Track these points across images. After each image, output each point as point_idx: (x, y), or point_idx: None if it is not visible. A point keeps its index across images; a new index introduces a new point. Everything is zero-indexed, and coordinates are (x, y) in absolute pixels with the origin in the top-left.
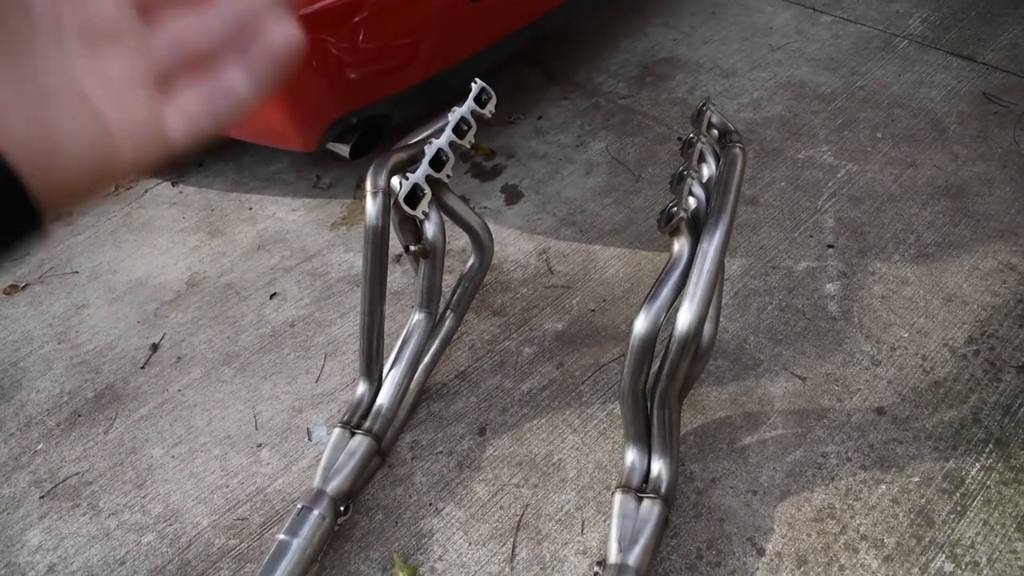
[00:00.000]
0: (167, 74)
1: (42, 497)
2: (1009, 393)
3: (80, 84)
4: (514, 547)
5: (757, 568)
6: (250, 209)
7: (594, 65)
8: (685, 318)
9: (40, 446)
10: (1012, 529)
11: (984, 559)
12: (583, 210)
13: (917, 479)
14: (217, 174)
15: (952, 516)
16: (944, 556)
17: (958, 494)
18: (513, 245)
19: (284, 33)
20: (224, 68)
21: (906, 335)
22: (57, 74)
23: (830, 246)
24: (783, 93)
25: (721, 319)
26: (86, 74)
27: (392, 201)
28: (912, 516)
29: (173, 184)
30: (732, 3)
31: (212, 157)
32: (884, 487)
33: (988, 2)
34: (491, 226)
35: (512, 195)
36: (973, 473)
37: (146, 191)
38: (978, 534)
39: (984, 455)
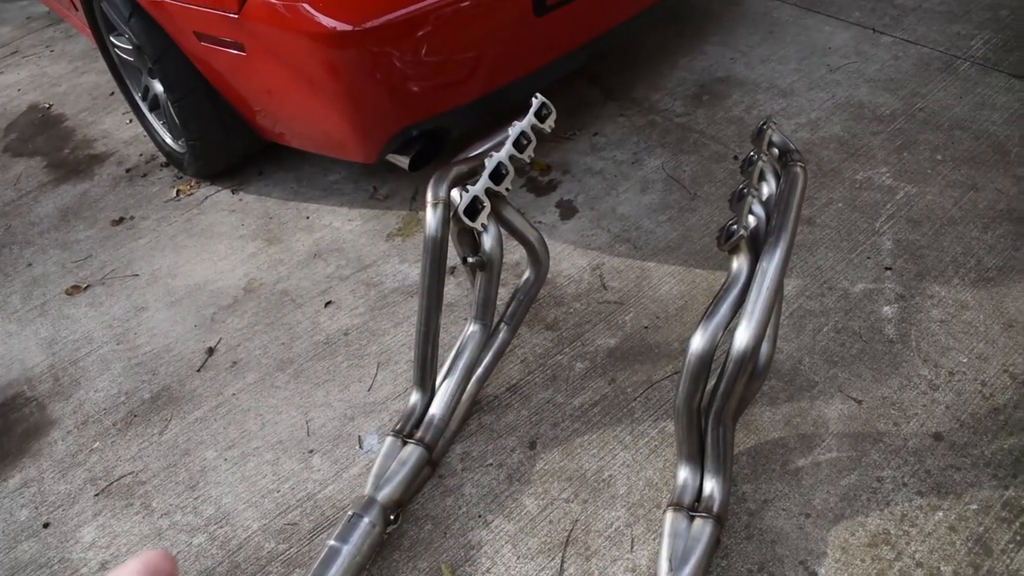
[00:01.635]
0: None
1: (97, 495)
2: None
3: None
4: (563, 562)
5: None
6: (307, 218)
7: (651, 83)
8: (743, 336)
9: (96, 444)
10: None
11: None
12: (638, 227)
13: (975, 507)
14: (276, 183)
15: (1011, 546)
16: None
17: (1017, 523)
18: (567, 260)
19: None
20: None
21: (965, 360)
22: None
23: (888, 268)
24: (841, 113)
25: (777, 340)
26: None
27: (452, 213)
28: (969, 544)
29: (233, 192)
30: (790, 23)
31: (272, 166)
32: (941, 514)
33: None
34: (546, 241)
35: (567, 210)
36: None
37: (207, 198)
38: None
39: None
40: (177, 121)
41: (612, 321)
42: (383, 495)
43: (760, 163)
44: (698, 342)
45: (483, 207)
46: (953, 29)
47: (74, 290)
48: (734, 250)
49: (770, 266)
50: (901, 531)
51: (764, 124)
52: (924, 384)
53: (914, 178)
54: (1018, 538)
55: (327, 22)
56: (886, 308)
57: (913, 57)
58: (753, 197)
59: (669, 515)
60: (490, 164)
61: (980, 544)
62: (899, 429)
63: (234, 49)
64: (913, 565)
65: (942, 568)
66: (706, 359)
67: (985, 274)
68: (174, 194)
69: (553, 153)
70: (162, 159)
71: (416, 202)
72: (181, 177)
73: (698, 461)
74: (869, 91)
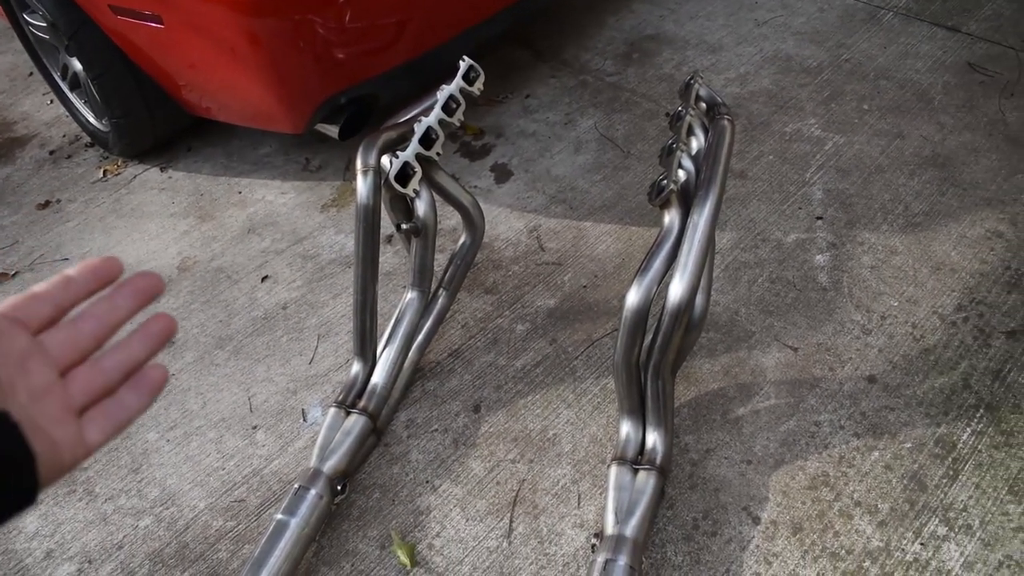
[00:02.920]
0: (83, 405)
1: None
2: (999, 359)
3: (33, 418)
4: (511, 522)
5: (753, 536)
6: (240, 193)
7: (581, 43)
8: (677, 289)
9: None
10: (1004, 492)
11: (977, 522)
12: (573, 187)
13: (909, 445)
14: (206, 159)
15: (944, 481)
16: (937, 520)
17: (950, 459)
18: (504, 223)
19: (158, 371)
20: (120, 394)
21: (896, 304)
22: (19, 413)
23: (819, 218)
24: (769, 67)
25: (712, 292)
26: (36, 413)
27: (383, 180)
28: (905, 482)
29: (162, 169)
30: None
31: (200, 142)
32: (877, 454)
33: None
34: (482, 206)
35: (502, 174)
36: (964, 438)
37: (135, 177)
38: (970, 497)
39: (975, 420)
40: (99, 99)
41: (551, 282)
42: (329, 466)
43: (688, 117)
44: (633, 297)
45: (414, 173)
46: None
47: (1, 277)
48: (665, 204)
49: (701, 218)
50: (839, 472)
51: (691, 79)
52: (857, 329)
53: (842, 128)
54: (951, 473)
55: None
56: (818, 257)
57: (838, 9)
58: (682, 152)
59: (613, 469)
60: (419, 129)
61: (915, 481)
62: (834, 374)
63: (152, 22)
64: (852, 504)
65: (880, 505)
66: (642, 314)
67: (913, 219)
68: (101, 175)
69: (486, 117)
70: (86, 139)
71: (349, 172)
72: (107, 157)
73: (640, 415)
74: (796, 44)
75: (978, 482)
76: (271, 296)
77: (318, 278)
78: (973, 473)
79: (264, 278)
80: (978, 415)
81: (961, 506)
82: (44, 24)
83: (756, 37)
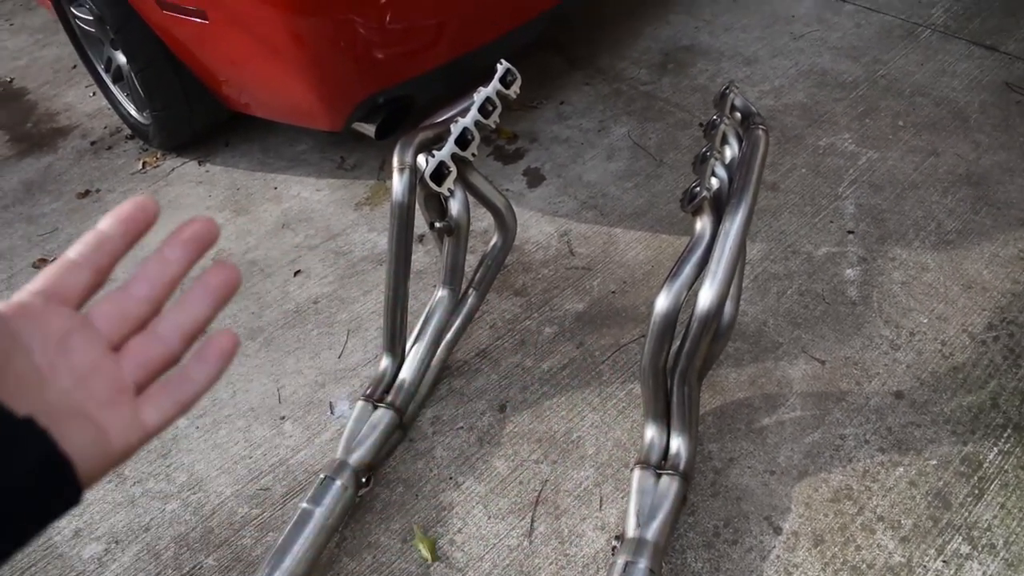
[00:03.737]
0: (139, 381)
1: None
2: None
3: (78, 404)
4: (532, 521)
5: (774, 546)
6: (275, 188)
7: (616, 52)
8: (706, 296)
9: None
10: None
11: (1001, 542)
12: (604, 193)
13: (935, 462)
14: (243, 154)
15: (969, 499)
16: (961, 538)
17: (975, 477)
18: (535, 227)
19: (226, 336)
20: (187, 365)
21: (925, 321)
22: (59, 399)
23: (850, 232)
24: (804, 81)
25: (741, 302)
26: (80, 396)
27: (418, 178)
28: (929, 498)
29: (200, 163)
30: None
31: (238, 137)
32: (902, 469)
33: None
34: (514, 209)
35: (534, 178)
36: (991, 457)
37: (173, 170)
38: (995, 517)
39: (1002, 440)
40: (141, 92)
41: (580, 286)
42: (354, 458)
43: (723, 126)
44: (663, 302)
45: (449, 172)
46: None
47: (41, 263)
48: (697, 211)
49: (732, 226)
50: (863, 486)
51: (726, 88)
52: (886, 344)
53: (876, 144)
54: (976, 491)
55: None
56: (849, 271)
57: (875, 25)
58: (716, 160)
59: (636, 473)
60: (456, 129)
61: (939, 498)
62: (861, 388)
63: (197, 17)
64: (875, 519)
65: (903, 521)
66: (671, 319)
67: (945, 237)
68: (140, 166)
69: (520, 122)
70: (127, 131)
71: (384, 171)
72: (147, 149)
73: (664, 420)
74: (831, 58)
75: (1003, 502)
76: (303, 290)
77: (350, 274)
78: (999, 493)
79: (296, 272)
80: (1005, 435)
81: (985, 525)
82: (91, 18)
83: (791, 51)
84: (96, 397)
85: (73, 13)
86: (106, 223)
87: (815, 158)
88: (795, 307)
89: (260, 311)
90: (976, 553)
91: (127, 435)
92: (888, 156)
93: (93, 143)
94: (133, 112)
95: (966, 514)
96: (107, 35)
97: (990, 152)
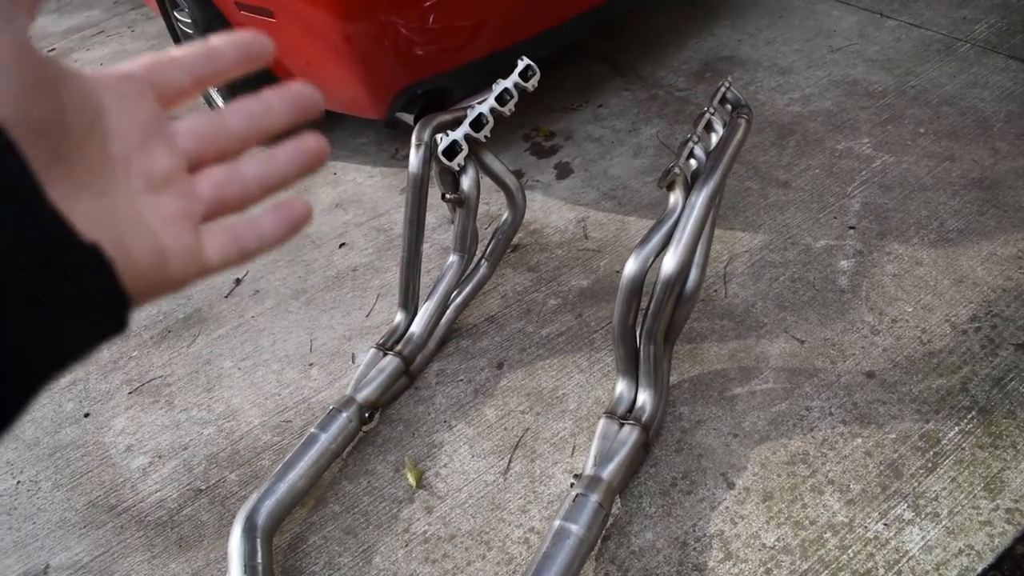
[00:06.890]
0: (208, 212)
1: (130, 393)
2: (1003, 368)
3: (143, 214)
4: (510, 462)
5: (724, 499)
6: (335, 174)
7: (659, 61)
8: (670, 262)
9: (135, 353)
10: (979, 488)
11: (945, 511)
12: (625, 186)
13: (893, 436)
14: None
15: (921, 471)
16: (906, 505)
17: (931, 452)
18: (556, 213)
19: (303, 204)
20: (258, 214)
21: (910, 309)
22: (126, 203)
23: (852, 227)
24: (834, 90)
25: (733, 286)
26: (147, 207)
27: (432, 154)
28: (882, 468)
29: None
30: (800, 8)
31: (308, 130)
32: (860, 440)
33: None
34: (540, 197)
35: (563, 171)
36: (951, 435)
37: None
38: (944, 489)
39: (965, 420)
40: (227, 87)
41: (588, 266)
42: (361, 396)
43: (708, 114)
44: (631, 266)
45: (461, 149)
46: (960, 14)
47: None
48: (670, 186)
49: (698, 199)
50: (820, 453)
51: (721, 83)
52: (866, 329)
53: (893, 149)
54: (929, 465)
55: None
56: (843, 262)
57: (915, 39)
58: (694, 143)
59: (602, 421)
60: (472, 113)
61: (892, 468)
62: (835, 367)
63: (266, 16)
64: (825, 482)
65: (852, 486)
66: (637, 282)
67: (946, 235)
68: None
69: (559, 122)
70: None
71: None
72: None
73: (633, 376)
74: (865, 70)
75: (955, 476)
76: (345, 260)
77: (387, 248)
78: (952, 468)
79: (341, 244)
80: (969, 416)
81: (933, 495)
82: (188, 20)
83: (827, 62)
84: (163, 212)
85: (176, 18)
86: (221, 39)
87: (830, 160)
88: (785, 292)
89: (306, 275)
90: (919, 520)
91: (186, 263)
92: (903, 160)
93: None
94: (220, 102)
95: (915, 484)
96: (201, 35)
97: (1008, 159)
